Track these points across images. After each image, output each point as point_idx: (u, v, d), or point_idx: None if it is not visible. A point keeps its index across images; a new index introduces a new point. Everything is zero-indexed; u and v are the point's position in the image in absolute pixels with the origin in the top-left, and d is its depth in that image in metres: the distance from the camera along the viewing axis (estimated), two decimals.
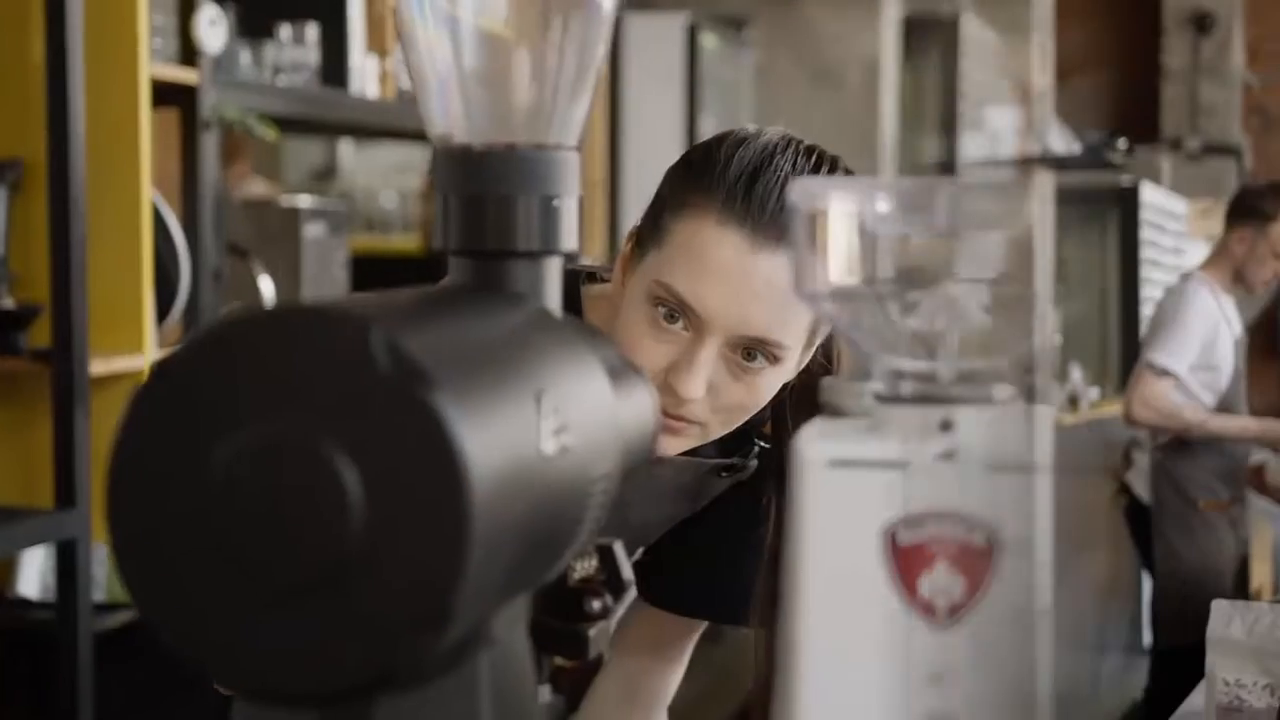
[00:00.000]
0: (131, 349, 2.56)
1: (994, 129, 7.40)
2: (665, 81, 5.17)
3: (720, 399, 1.28)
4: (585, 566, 0.93)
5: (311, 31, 3.10)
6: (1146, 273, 7.06)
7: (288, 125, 3.29)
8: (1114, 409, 6.60)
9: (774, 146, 1.30)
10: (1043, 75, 5.55)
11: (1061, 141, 5.78)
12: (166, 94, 2.69)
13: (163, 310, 2.66)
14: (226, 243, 2.98)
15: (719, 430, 1.31)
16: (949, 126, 7.32)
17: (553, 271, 0.85)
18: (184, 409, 0.65)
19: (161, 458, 0.65)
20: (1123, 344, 7.13)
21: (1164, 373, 4.24)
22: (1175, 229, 7.57)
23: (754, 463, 1.43)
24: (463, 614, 0.64)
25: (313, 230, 3.11)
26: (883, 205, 0.74)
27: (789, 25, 5.45)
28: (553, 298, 0.85)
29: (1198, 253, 8.41)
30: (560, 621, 0.90)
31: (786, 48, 5.43)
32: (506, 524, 0.66)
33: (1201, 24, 9.28)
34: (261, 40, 3.06)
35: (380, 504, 0.62)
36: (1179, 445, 4.39)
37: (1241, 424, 4.40)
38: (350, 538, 0.62)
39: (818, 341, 1.34)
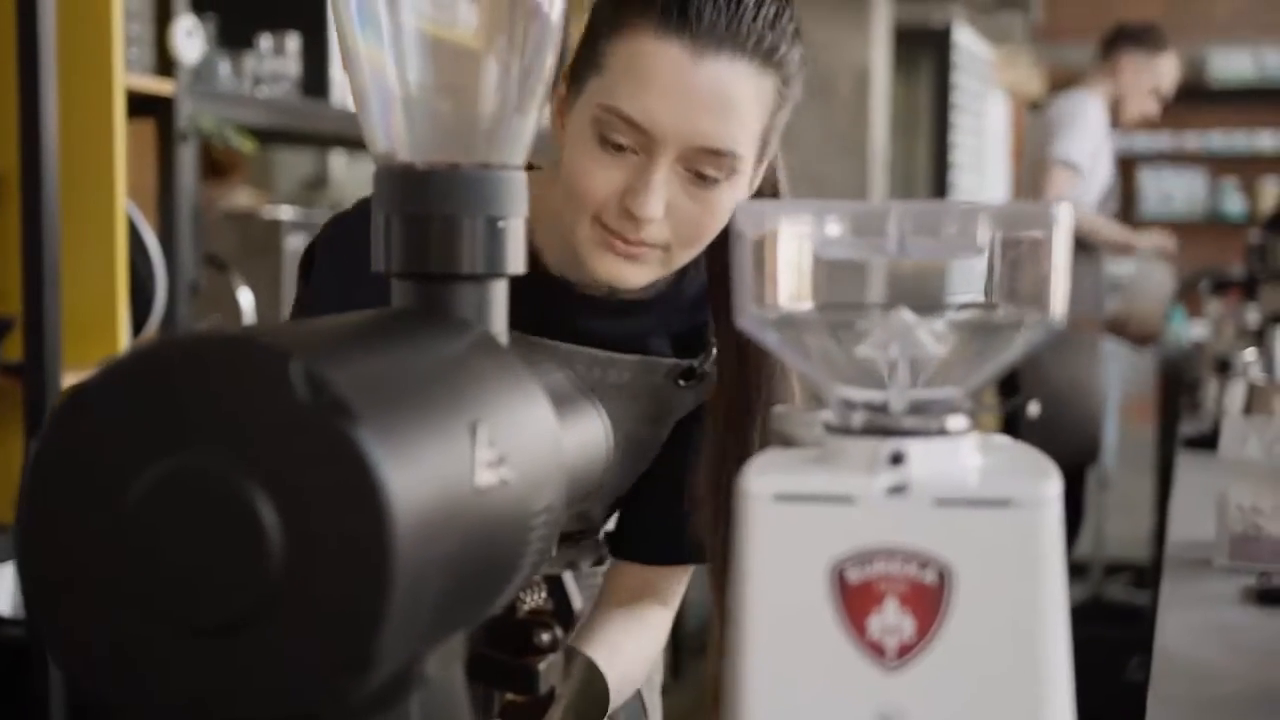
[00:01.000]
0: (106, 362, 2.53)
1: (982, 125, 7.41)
2: None
3: (680, 219, 1.26)
4: (534, 598, 0.90)
5: (292, 42, 3.08)
6: (954, 117, 7.21)
7: (269, 137, 3.27)
8: None
9: None
10: None
11: None
12: (143, 105, 2.66)
13: (138, 323, 2.63)
14: (205, 254, 2.95)
15: (681, 255, 1.29)
16: (941, 135, 7.32)
17: (499, 294, 0.83)
18: (100, 437, 0.62)
19: (75, 488, 0.63)
20: (934, 189, 7.25)
21: (1069, 165, 4.32)
22: (981, 75, 7.74)
23: (711, 369, 1.41)
24: (388, 655, 0.61)
25: (295, 242, 3.09)
26: (832, 229, 0.71)
27: None
28: (498, 321, 0.82)
29: (999, 101, 8.59)
30: (509, 655, 0.87)
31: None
32: (435, 561, 0.63)
33: None
34: (241, 50, 3.04)
35: (299, 541, 0.59)
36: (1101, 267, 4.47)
37: (1135, 236, 4.66)
38: (268, 576, 0.60)
39: (768, 156, 1.33)
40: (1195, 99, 10.08)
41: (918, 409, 0.71)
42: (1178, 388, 5.13)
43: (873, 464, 0.69)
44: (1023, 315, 0.70)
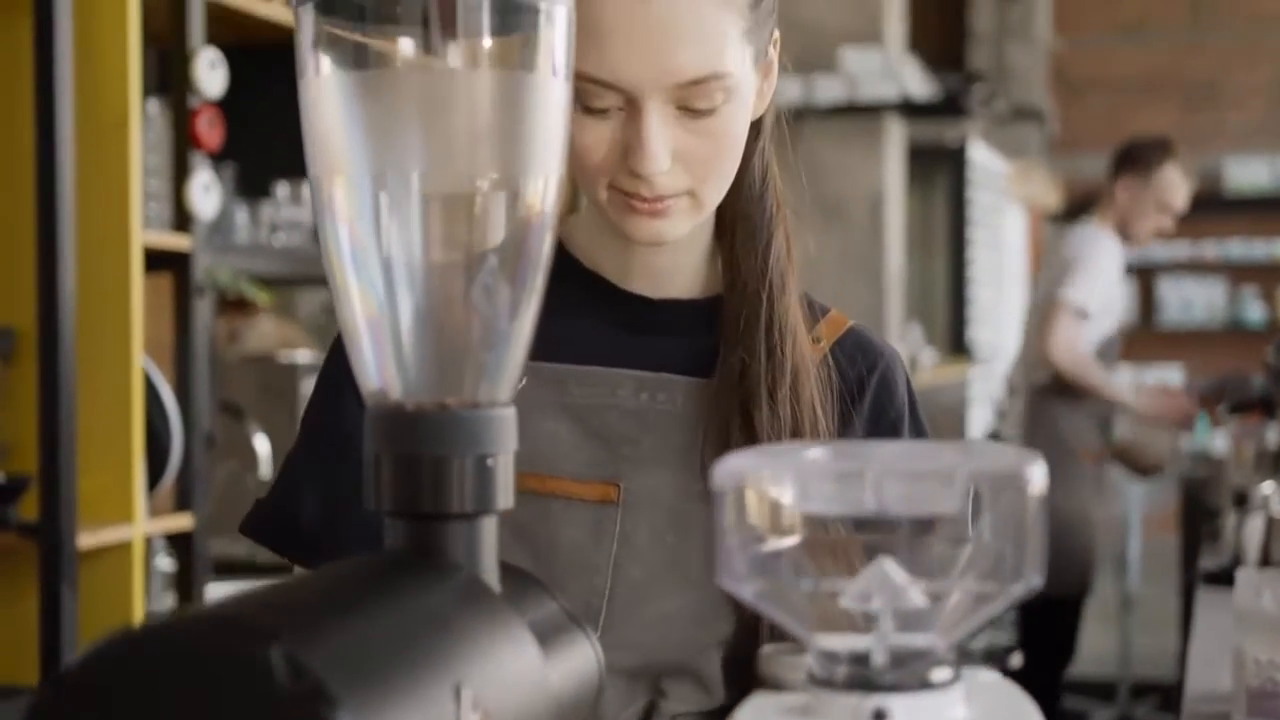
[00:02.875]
0: (122, 519, 2.54)
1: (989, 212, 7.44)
2: None
3: (691, 159, 1.17)
4: None
5: (309, 190, 3.12)
6: (970, 233, 7.23)
7: (287, 281, 3.30)
8: (954, 372, 6.71)
9: None
10: (893, 15, 5.55)
11: (919, 84, 5.78)
12: (159, 259, 2.70)
13: (154, 477, 2.65)
14: (222, 402, 2.97)
15: (711, 193, 1.20)
16: (958, 250, 7.35)
17: (488, 530, 0.83)
18: None
19: None
20: (951, 305, 7.25)
21: (1080, 312, 4.30)
22: (997, 189, 7.77)
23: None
24: None
25: (310, 387, 3.10)
26: (810, 483, 0.72)
27: (794, 157, 5.48)
28: (487, 557, 0.83)
29: (1015, 214, 8.64)
30: None
31: (790, 183, 5.46)
32: None
33: None
34: (259, 199, 3.08)
35: None
36: (1057, 389, 4.40)
37: (1139, 401, 4.57)
38: None
39: (770, 46, 1.24)
40: (1212, 208, 10.14)
41: (900, 660, 0.71)
42: (1198, 507, 5.10)
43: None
44: (1003, 573, 0.71)
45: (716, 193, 1.20)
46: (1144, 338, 10.35)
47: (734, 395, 1.24)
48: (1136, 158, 4.47)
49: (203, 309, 2.74)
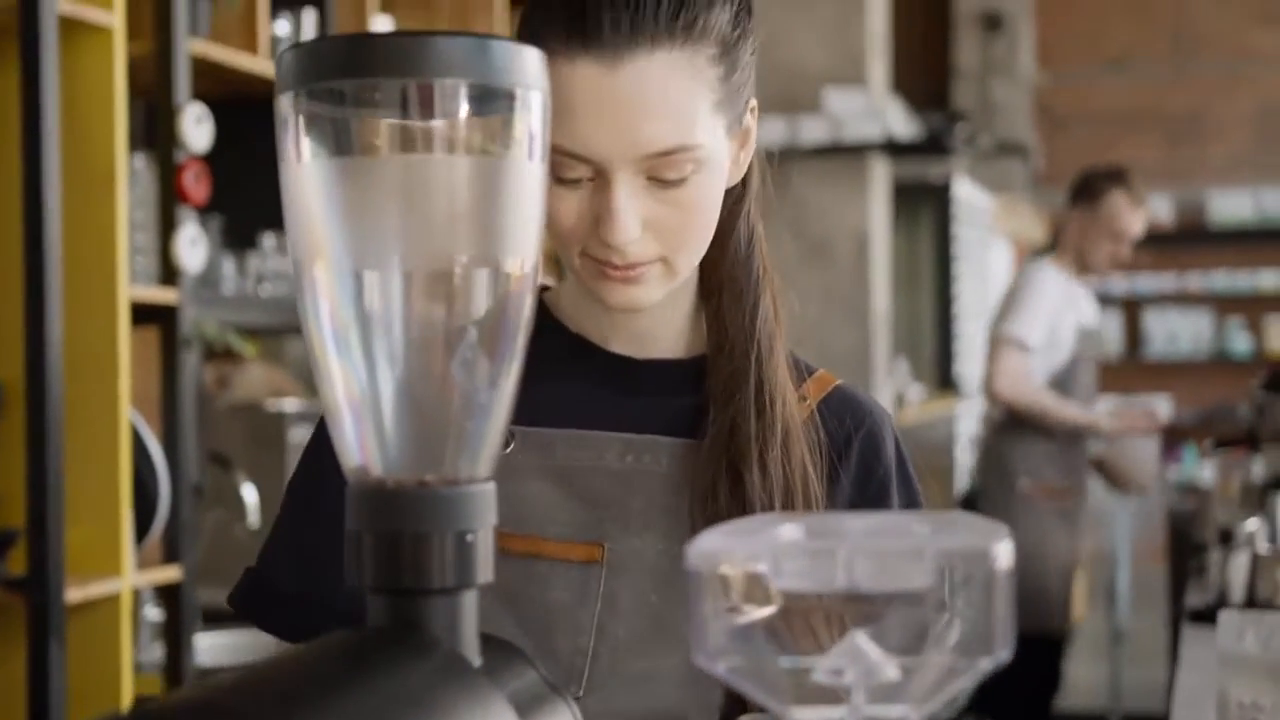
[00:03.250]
0: (110, 573, 2.55)
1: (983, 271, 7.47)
2: None
3: (662, 228, 1.18)
4: None
5: None
6: (956, 268, 7.25)
7: (275, 332, 3.32)
8: (941, 407, 6.75)
9: None
10: (876, 56, 5.59)
11: (903, 124, 5.81)
12: (147, 313, 2.71)
13: (142, 529, 2.66)
14: (209, 451, 2.98)
15: (684, 261, 1.21)
16: (944, 286, 7.39)
17: (469, 604, 0.85)
18: None
19: None
20: (938, 340, 7.28)
21: (1021, 345, 4.31)
22: (982, 224, 7.80)
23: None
24: None
25: (299, 435, 3.12)
26: (784, 561, 0.74)
27: (779, 201, 5.50)
28: (468, 631, 0.84)
29: (1001, 249, 8.68)
30: None
31: (776, 223, 5.49)
32: None
33: (992, 22, 9.50)
34: (245, 250, 3.10)
35: None
36: (1011, 425, 4.40)
37: (1092, 419, 4.50)
38: None
39: (743, 117, 1.24)
40: (1197, 240, 10.20)
41: None
42: (1186, 540, 5.11)
43: None
44: (972, 647, 0.72)
45: (690, 259, 1.22)
46: (1131, 369, 10.39)
47: (723, 456, 1.25)
48: (1086, 188, 4.50)
49: (189, 362, 2.75)
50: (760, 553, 0.74)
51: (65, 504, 2.45)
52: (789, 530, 0.77)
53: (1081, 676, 6.70)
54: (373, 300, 0.84)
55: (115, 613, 2.57)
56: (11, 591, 2.42)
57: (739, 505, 1.23)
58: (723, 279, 1.30)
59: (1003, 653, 0.72)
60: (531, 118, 0.84)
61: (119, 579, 2.56)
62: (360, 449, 0.86)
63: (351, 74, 0.82)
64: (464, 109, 0.82)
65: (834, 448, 1.30)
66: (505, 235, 0.86)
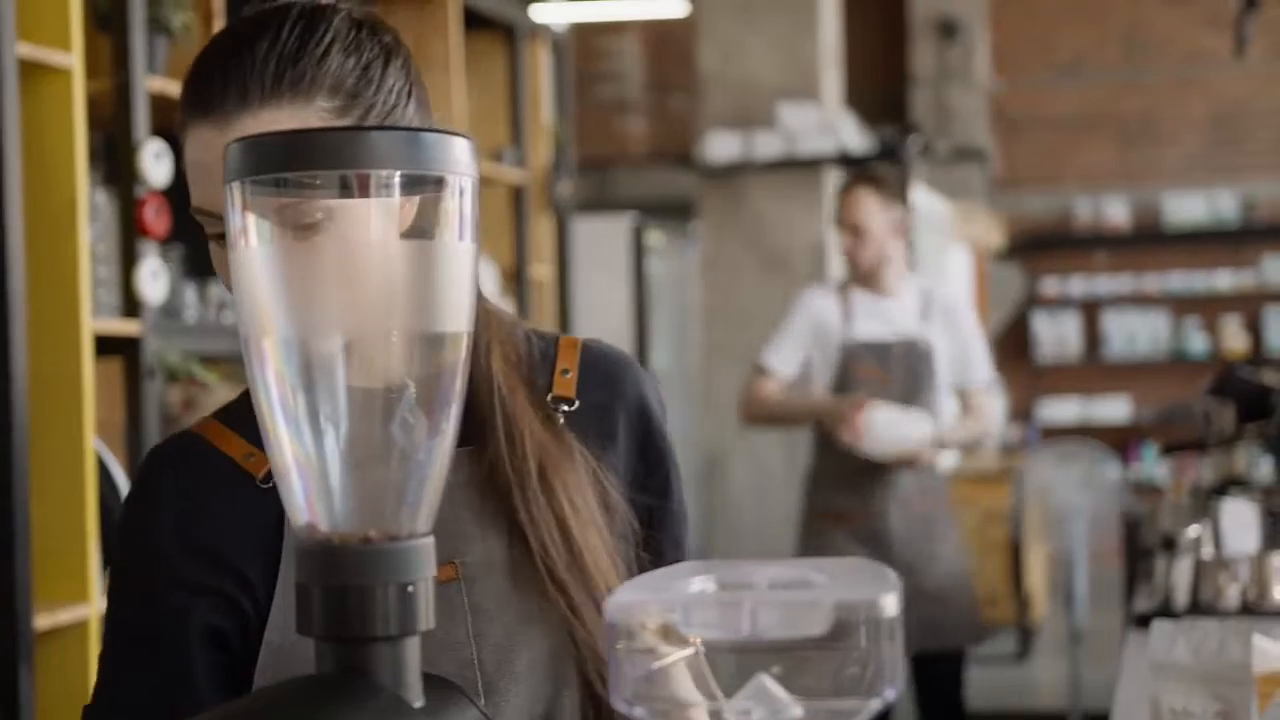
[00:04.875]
0: (77, 599, 2.61)
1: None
2: (614, 277, 5.29)
3: None
4: None
5: None
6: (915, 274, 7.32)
7: (237, 359, 3.37)
8: None
9: (236, 22, 1.27)
10: (830, 69, 5.65)
11: (856, 138, 5.78)
12: (110, 344, 2.77)
13: (108, 556, 2.71)
14: None
15: None
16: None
17: (411, 650, 0.92)
18: None
19: None
20: None
21: (762, 370, 4.20)
22: (940, 229, 7.89)
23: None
24: None
25: None
26: (694, 612, 0.81)
27: (736, 215, 5.59)
28: (411, 675, 0.91)
29: (959, 255, 8.79)
30: None
31: (733, 236, 5.57)
32: None
33: (947, 29, 9.62)
34: (206, 279, 3.15)
35: None
36: (814, 456, 4.26)
37: (821, 402, 4.18)
38: None
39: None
40: (1153, 242, 10.34)
41: None
42: (1140, 541, 5.19)
43: None
44: (862, 688, 0.79)
45: None
46: (1090, 370, 10.52)
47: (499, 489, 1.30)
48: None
49: (153, 391, 2.81)
50: (672, 606, 0.81)
51: (32, 532, 2.50)
52: (699, 583, 0.84)
53: (1041, 675, 6.80)
54: (316, 369, 0.91)
55: (83, 638, 2.62)
56: None
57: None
58: None
59: (889, 692, 0.80)
60: (461, 201, 0.91)
61: (87, 605, 2.62)
62: (307, 507, 0.93)
63: (292, 167, 0.89)
64: (397, 195, 0.90)
65: (600, 414, 1.36)
66: (440, 307, 0.92)
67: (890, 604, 0.79)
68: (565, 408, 1.34)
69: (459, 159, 0.91)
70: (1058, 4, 10.28)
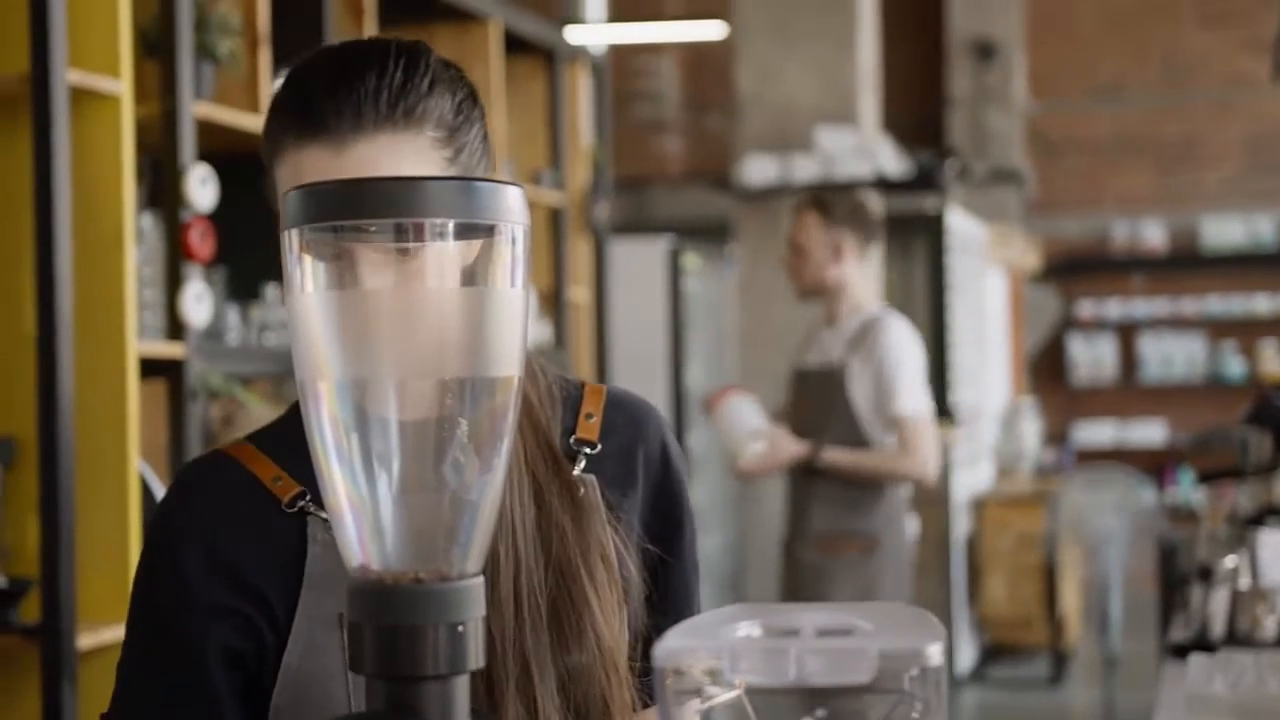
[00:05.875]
0: (120, 619, 2.63)
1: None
2: (650, 299, 5.31)
3: None
4: None
5: None
6: (950, 298, 7.32)
7: (278, 378, 3.41)
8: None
9: (330, 50, 1.30)
10: (867, 93, 5.64)
11: (893, 161, 5.76)
12: (154, 367, 2.80)
13: None
14: None
15: None
16: (938, 316, 7.47)
17: (461, 689, 0.93)
18: None
19: None
20: (933, 369, 7.33)
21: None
22: (976, 252, 7.87)
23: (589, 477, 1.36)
24: None
25: None
26: (741, 659, 0.82)
27: (773, 238, 5.59)
28: (460, 714, 0.93)
29: (996, 278, 8.76)
30: None
31: (770, 260, 5.57)
32: None
33: (984, 52, 9.58)
34: (249, 301, 3.19)
35: None
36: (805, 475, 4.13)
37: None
38: None
39: None
40: (1190, 265, 10.29)
41: None
42: (1175, 566, 5.17)
43: None
44: None
45: None
46: (1125, 394, 10.47)
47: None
48: None
49: (195, 413, 2.84)
50: (720, 650, 0.82)
51: (76, 553, 2.53)
52: (745, 628, 0.85)
53: (1074, 701, 6.77)
54: (369, 412, 0.93)
55: None
56: (26, 639, 2.51)
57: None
58: None
59: None
60: (514, 248, 0.93)
61: None
62: (360, 548, 0.95)
63: (350, 215, 0.91)
64: (451, 243, 0.91)
65: (622, 459, 1.38)
66: (491, 352, 0.94)
67: (936, 653, 0.80)
68: (588, 450, 1.36)
69: (511, 207, 0.93)
70: (1096, 27, 10.26)
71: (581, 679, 1.27)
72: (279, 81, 1.27)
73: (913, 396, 4.08)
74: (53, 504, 2.49)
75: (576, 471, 1.34)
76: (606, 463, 1.37)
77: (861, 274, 4.23)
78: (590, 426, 1.37)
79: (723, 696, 0.84)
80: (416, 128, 1.25)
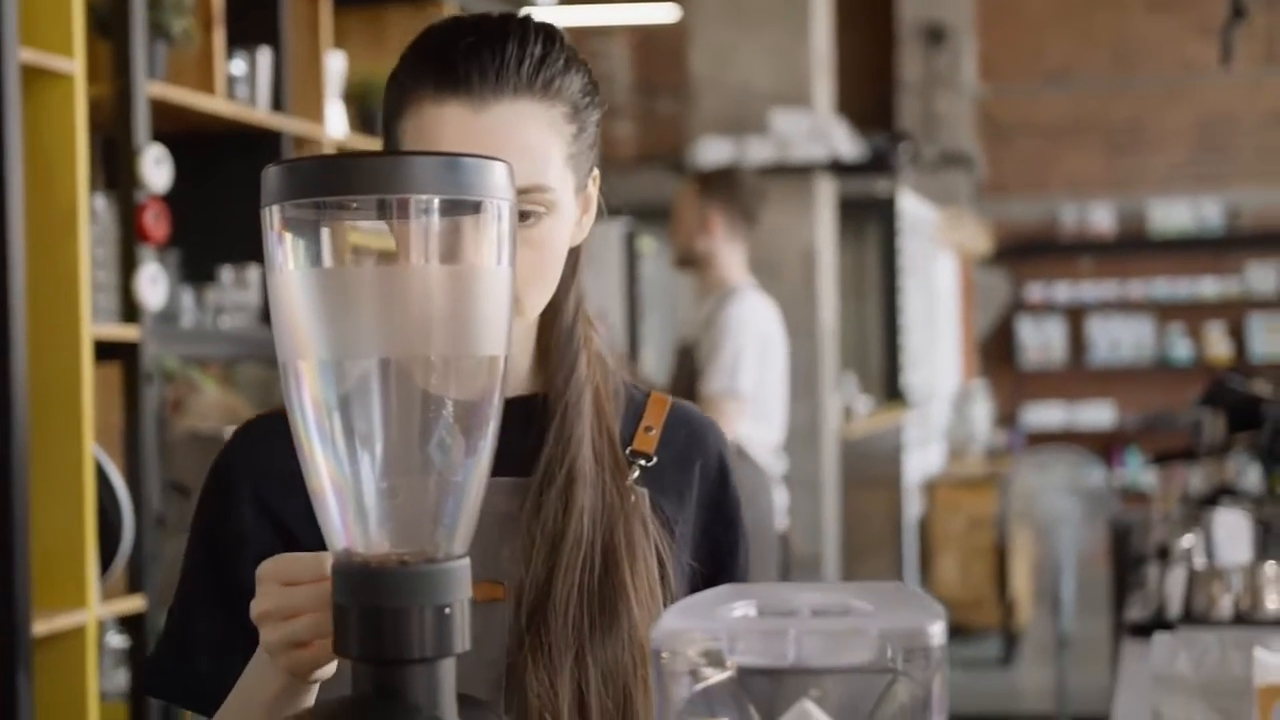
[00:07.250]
0: (75, 605, 2.60)
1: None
2: (606, 282, 5.29)
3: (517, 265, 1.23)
4: None
5: (253, 273, 3.19)
6: (902, 281, 7.38)
7: (232, 363, 3.37)
8: (888, 419, 6.86)
9: (467, 18, 1.32)
10: (821, 77, 5.65)
11: (847, 144, 5.79)
12: (109, 349, 2.76)
13: (106, 560, 2.71)
14: (168, 481, 3.02)
15: (534, 302, 1.28)
16: (890, 298, 7.51)
17: (447, 671, 0.92)
18: None
19: None
20: (884, 352, 7.40)
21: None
22: (927, 235, 7.93)
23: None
24: None
25: None
26: (739, 640, 0.81)
27: None
28: (446, 696, 0.91)
29: (946, 260, 8.81)
30: None
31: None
32: None
33: (935, 36, 9.63)
34: (204, 284, 3.15)
35: None
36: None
37: None
38: None
39: (590, 179, 1.33)
40: (1138, 249, 10.36)
41: None
42: (1127, 547, 5.20)
43: None
44: (913, 714, 0.80)
45: (536, 300, 1.29)
46: (1074, 376, 10.54)
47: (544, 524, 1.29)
48: None
49: (151, 396, 2.80)
50: (718, 633, 0.81)
51: (31, 538, 2.49)
52: (742, 609, 0.84)
53: (1025, 681, 6.81)
54: (352, 392, 0.92)
55: (81, 644, 2.62)
56: None
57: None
58: (557, 334, 1.35)
59: (941, 718, 0.80)
60: (499, 225, 0.91)
61: (84, 611, 2.61)
62: (344, 531, 0.93)
63: (331, 191, 0.89)
64: (436, 220, 0.90)
65: (678, 473, 1.38)
66: (476, 330, 0.93)
67: (937, 633, 0.79)
68: (643, 463, 1.35)
69: (497, 183, 0.91)
70: (1045, 12, 10.30)
71: (617, 672, 1.27)
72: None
73: (720, 376, 4.01)
74: (6, 487, 2.45)
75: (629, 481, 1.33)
76: (663, 476, 1.37)
77: (730, 250, 4.21)
78: (649, 439, 1.37)
79: (717, 677, 0.83)
80: (551, 100, 1.27)
